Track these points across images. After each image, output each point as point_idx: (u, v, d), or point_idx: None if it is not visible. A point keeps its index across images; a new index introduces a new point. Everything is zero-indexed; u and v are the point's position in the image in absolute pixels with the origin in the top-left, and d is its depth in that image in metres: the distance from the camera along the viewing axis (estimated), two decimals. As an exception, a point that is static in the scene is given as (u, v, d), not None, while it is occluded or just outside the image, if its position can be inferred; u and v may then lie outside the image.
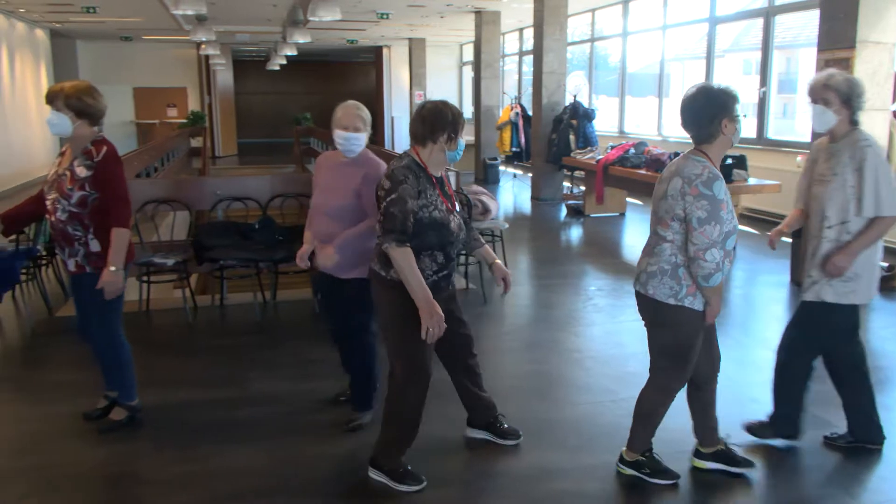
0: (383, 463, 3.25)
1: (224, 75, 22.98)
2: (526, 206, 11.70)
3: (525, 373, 4.64)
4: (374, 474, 3.26)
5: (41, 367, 4.85)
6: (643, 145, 9.38)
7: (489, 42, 14.78)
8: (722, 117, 2.92)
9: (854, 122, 3.31)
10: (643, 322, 3.22)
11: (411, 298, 2.97)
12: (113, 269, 3.50)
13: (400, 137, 22.85)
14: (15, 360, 5.10)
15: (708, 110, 2.93)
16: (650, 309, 3.11)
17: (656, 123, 12.60)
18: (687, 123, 3.00)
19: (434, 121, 3.05)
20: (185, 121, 20.75)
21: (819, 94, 3.32)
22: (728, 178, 7.74)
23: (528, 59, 15.96)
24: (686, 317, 3.03)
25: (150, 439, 3.70)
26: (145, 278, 5.72)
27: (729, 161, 8.06)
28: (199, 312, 5.82)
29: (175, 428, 3.83)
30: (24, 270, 5.73)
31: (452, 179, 6.95)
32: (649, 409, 3.24)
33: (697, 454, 3.38)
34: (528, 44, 16.42)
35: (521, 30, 17.34)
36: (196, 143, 19.27)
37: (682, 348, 3.08)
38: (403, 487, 3.18)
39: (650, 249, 3.10)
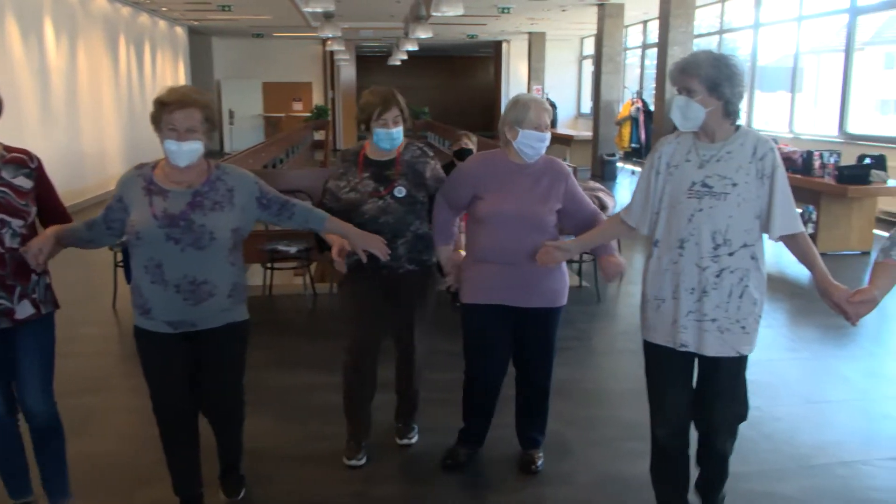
0: None
1: (347, 70, 23.66)
2: (644, 203, 11.41)
3: (643, 376, 4.53)
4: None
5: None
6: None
7: (611, 35, 14.51)
8: None
9: None
10: None
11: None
12: None
13: (516, 132, 22.77)
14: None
15: None
16: None
17: (788, 120, 11.97)
18: None
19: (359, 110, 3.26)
20: (309, 114, 21.53)
21: None
22: (865, 180, 7.29)
23: (652, 52, 15.56)
24: None
25: (274, 417, 3.89)
26: (269, 264, 6.00)
27: (867, 161, 7.59)
28: (318, 299, 6.05)
29: (299, 408, 4.01)
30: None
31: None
32: None
33: None
34: (653, 36, 15.99)
35: (645, 22, 16.91)
36: (319, 136, 19.97)
37: None
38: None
39: None
